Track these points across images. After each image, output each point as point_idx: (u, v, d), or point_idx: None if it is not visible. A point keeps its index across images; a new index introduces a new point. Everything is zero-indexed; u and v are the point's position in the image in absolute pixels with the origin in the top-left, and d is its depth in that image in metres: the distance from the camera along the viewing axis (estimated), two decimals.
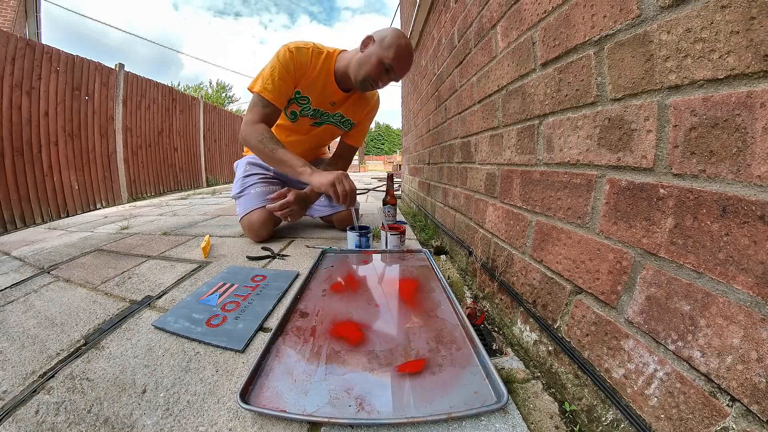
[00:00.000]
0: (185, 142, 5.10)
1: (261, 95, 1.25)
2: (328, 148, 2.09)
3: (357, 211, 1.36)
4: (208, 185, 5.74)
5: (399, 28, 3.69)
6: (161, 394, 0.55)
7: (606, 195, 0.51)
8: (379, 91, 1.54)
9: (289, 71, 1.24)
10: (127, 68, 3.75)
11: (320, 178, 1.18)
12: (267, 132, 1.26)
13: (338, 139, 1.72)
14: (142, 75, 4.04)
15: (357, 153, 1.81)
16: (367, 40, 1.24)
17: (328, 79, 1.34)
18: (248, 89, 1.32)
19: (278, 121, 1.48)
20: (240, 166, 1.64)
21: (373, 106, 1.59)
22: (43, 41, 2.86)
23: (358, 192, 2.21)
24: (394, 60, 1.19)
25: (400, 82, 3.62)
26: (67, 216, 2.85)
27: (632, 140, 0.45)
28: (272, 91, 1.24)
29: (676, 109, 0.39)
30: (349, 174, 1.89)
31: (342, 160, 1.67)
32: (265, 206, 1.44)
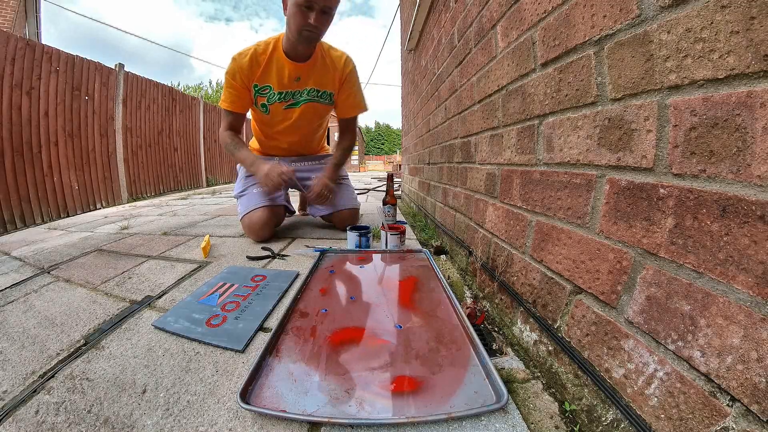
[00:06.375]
0: (185, 142, 5.10)
1: (222, 107, 1.44)
2: (328, 142, 2.08)
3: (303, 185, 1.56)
4: (208, 185, 5.74)
5: (399, 28, 3.69)
6: (161, 394, 0.55)
7: (606, 195, 0.51)
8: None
9: (235, 78, 1.36)
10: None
11: (258, 174, 1.38)
12: (230, 137, 1.48)
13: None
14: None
15: (357, 153, 1.78)
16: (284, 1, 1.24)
17: (282, 60, 1.36)
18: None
19: (257, 117, 1.54)
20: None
21: (344, 70, 1.48)
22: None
23: (357, 192, 2.21)
24: None
25: (400, 81, 3.62)
26: (67, 216, 2.85)
27: (632, 140, 0.45)
28: (226, 100, 1.41)
29: (676, 109, 0.39)
30: (348, 174, 1.88)
31: (345, 134, 1.64)
32: (266, 206, 1.45)
